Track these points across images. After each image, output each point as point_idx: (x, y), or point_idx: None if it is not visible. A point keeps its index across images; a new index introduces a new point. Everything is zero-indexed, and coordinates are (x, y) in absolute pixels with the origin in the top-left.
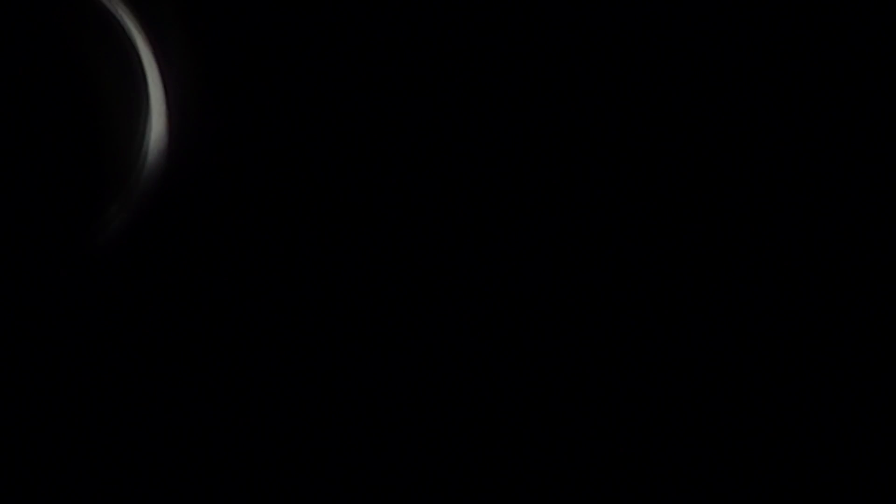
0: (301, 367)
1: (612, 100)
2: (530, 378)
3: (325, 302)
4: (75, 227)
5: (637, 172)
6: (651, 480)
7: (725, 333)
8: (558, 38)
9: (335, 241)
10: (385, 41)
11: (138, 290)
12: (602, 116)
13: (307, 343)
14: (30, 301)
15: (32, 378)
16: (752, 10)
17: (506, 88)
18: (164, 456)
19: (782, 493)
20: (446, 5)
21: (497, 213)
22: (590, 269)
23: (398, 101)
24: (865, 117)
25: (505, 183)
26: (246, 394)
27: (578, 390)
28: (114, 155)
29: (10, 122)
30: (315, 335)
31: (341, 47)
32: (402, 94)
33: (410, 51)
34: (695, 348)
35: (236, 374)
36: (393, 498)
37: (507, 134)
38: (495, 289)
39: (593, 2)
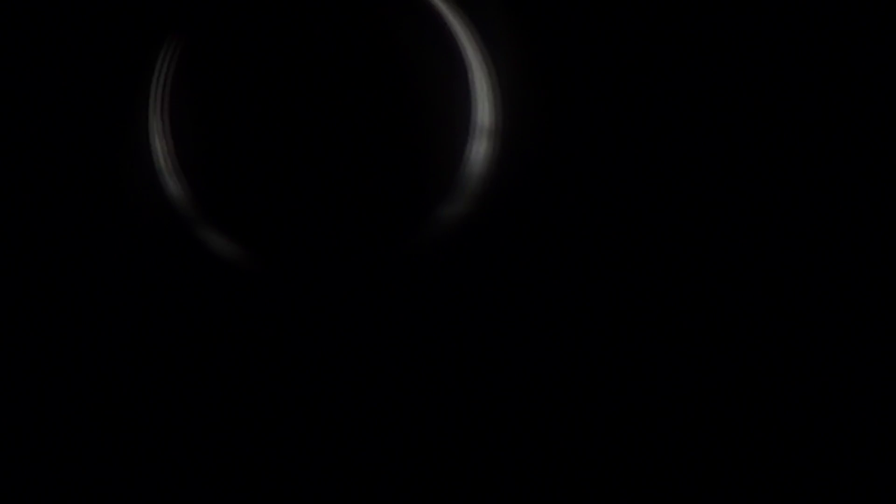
0: None
1: None
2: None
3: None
4: (406, 224)
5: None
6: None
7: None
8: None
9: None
10: None
11: (467, 288)
12: None
13: None
14: (356, 298)
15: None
16: None
17: None
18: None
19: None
20: None
21: None
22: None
23: None
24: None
25: None
26: None
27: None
28: (442, 152)
29: (341, 121)
30: None
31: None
32: None
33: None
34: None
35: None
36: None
37: None
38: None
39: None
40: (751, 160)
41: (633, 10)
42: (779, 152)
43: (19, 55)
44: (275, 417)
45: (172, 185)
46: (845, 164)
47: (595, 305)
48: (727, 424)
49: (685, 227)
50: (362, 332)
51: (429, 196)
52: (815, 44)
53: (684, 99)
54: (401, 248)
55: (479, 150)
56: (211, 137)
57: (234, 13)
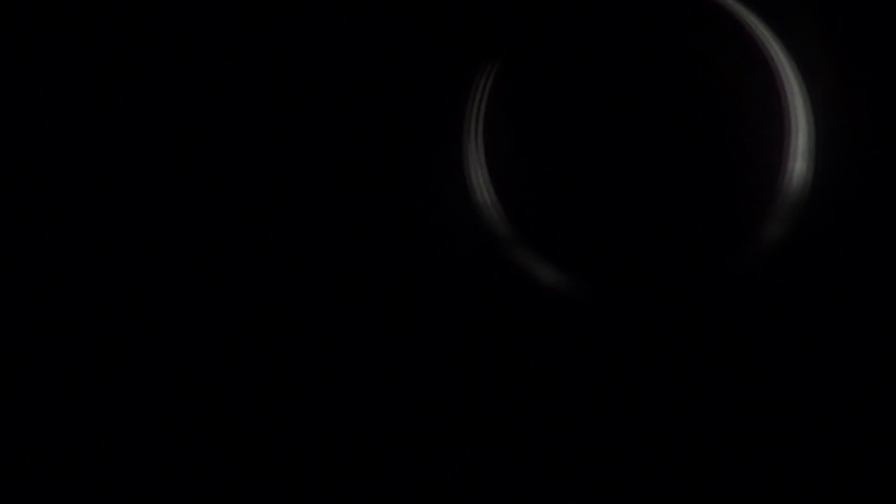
0: None
1: None
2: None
3: None
4: (725, 248)
5: None
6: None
7: None
8: None
9: None
10: None
11: (790, 312)
12: None
13: None
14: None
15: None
16: None
17: None
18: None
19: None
20: None
21: None
22: None
23: None
24: None
25: None
26: None
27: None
28: (761, 175)
29: (658, 146)
30: None
31: None
32: None
33: None
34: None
35: None
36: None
37: None
38: None
39: None
40: None
41: None
42: None
43: (337, 79)
44: (594, 451)
45: (489, 211)
46: None
47: None
48: None
49: None
50: (682, 357)
51: (748, 219)
52: None
53: None
54: (720, 271)
55: (798, 172)
56: (526, 162)
57: (552, 40)
